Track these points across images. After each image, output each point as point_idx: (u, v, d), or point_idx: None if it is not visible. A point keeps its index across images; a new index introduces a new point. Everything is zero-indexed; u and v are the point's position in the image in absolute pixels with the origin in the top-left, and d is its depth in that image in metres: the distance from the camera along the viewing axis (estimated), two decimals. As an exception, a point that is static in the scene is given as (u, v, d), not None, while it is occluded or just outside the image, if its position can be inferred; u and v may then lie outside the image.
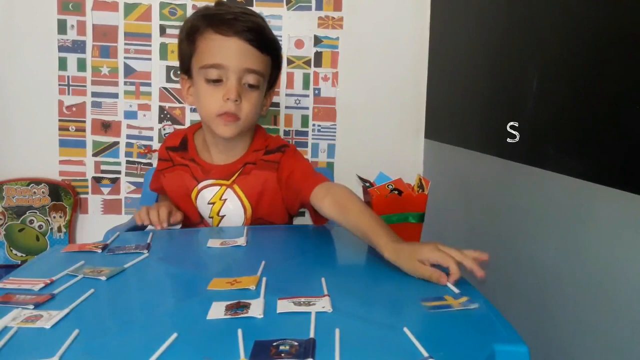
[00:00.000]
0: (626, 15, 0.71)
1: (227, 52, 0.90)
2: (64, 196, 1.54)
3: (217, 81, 0.91)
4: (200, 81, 0.93)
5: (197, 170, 1.02)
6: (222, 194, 1.00)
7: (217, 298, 0.58)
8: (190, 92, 0.98)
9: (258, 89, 0.94)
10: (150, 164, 1.58)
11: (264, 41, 0.93)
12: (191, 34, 0.93)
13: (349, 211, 0.81)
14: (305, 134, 1.62)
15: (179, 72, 1.03)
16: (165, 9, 1.54)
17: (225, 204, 1.00)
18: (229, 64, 0.90)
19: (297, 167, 0.98)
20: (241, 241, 0.82)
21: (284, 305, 0.56)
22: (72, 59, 1.54)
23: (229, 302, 0.57)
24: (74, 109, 1.56)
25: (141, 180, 1.56)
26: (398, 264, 0.69)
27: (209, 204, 1.01)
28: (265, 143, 1.03)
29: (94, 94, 1.56)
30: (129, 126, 1.58)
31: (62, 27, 1.52)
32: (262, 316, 0.54)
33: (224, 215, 1.01)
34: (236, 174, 1.00)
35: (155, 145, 1.58)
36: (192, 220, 1.05)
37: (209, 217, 1.02)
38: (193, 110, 1.58)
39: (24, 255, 1.54)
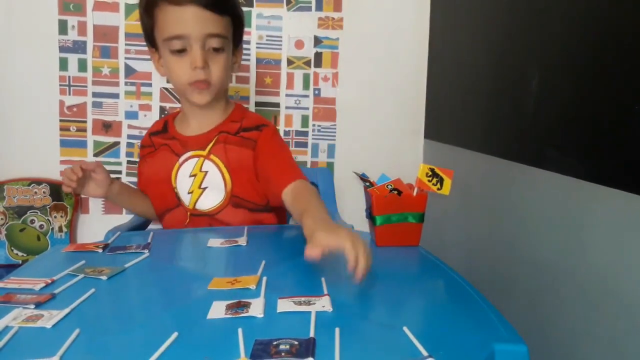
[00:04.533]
0: (626, 16, 0.71)
1: (185, 21, 0.90)
2: (64, 196, 1.54)
3: (182, 51, 0.92)
4: (166, 53, 0.94)
5: (177, 145, 1.03)
6: (202, 165, 1.00)
7: (218, 297, 0.59)
8: (160, 63, 0.99)
9: (224, 52, 0.95)
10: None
11: (219, 3, 0.93)
12: (148, 8, 0.94)
13: (301, 198, 0.84)
14: (305, 134, 1.62)
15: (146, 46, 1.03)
16: (166, 10, 1.54)
17: (208, 176, 1.00)
18: (190, 33, 0.91)
19: (274, 156, 0.98)
20: (241, 241, 0.82)
21: (285, 305, 0.57)
22: (72, 59, 1.54)
23: (229, 302, 0.57)
24: (74, 109, 1.56)
25: (142, 180, 1.56)
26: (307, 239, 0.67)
27: (190, 176, 1.01)
28: (241, 116, 1.04)
29: (94, 94, 1.56)
30: (130, 126, 1.58)
31: (62, 28, 1.53)
32: (262, 315, 0.54)
33: (206, 188, 1.00)
34: (211, 143, 1.01)
35: (156, 145, 1.58)
36: (168, 205, 1.05)
37: (188, 193, 1.01)
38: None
39: (24, 255, 1.54)
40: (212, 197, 1.00)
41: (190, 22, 0.90)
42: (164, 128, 1.08)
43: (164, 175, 1.03)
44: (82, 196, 1.53)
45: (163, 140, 1.06)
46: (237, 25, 0.98)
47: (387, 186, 0.83)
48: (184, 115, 1.05)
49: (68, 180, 0.99)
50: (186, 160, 1.02)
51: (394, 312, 0.59)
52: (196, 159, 1.01)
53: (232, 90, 1.58)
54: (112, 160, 1.58)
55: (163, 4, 0.91)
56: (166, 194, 1.04)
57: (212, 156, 1.00)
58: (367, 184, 0.85)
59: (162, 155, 1.05)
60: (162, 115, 1.58)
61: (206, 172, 1.00)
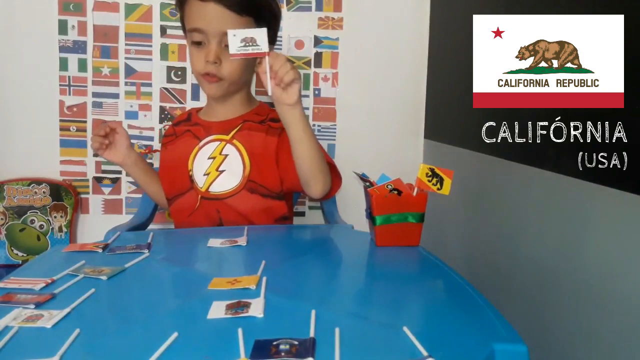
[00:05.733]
0: (625, 14, 0.71)
1: (205, 17, 0.96)
2: (64, 196, 1.54)
3: (200, 43, 0.98)
4: (188, 43, 1.02)
5: (200, 130, 1.08)
6: (223, 149, 1.04)
7: (218, 297, 0.59)
8: None
9: None
10: (151, 164, 1.58)
11: (239, 3, 0.96)
12: (180, 0, 1.02)
13: None
14: (306, 134, 1.62)
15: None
16: (166, 10, 1.54)
17: (227, 159, 1.03)
18: (207, 28, 0.96)
19: None
20: (241, 241, 0.83)
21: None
22: (72, 59, 1.54)
23: (229, 302, 0.57)
24: (74, 109, 1.56)
25: (142, 180, 1.56)
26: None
27: (208, 158, 1.04)
28: (268, 112, 1.10)
29: (94, 94, 1.56)
30: (130, 126, 1.58)
31: (62, 28, 1.53)
32: (262, 315, 0.54)
33: (223, 171, 1.03)
34: (235, 129, 1.05)
35: (156, 145, 1.58)
36: (180, 188, 1.07)
37: (204, 175, 1.04)
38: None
39: (24, 255, 1.54)
40: (228, 181, 1.03)
41: (208, 18, 0.96)
42: (188, 117, 1.13)
43: (182, 158, 1.06)
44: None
45: (186, 127, 1.11)
46: (261, 24, 0.99)
47: (387, 186, 0.83)
48: (209, 105, 1.10)
49: (97, 138, 1.03)
50: (207, 143, 1.06)
51: (394, 312, 0.59)
52: (217, 143, 1.05)
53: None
54: (112, 160, 1.58)
55: None
56: (179, 177, 1.06)
57: (234, 141, 1.04)
58: (367, 184, 0.85)
59: (184, 140, 1.09)
60: (162, 115, 1.58)
61: (226, 155, 1.03)
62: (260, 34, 0.80)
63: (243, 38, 0.80)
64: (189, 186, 1.06)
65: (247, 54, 0.81)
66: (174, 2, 1.53)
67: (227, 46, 0.95)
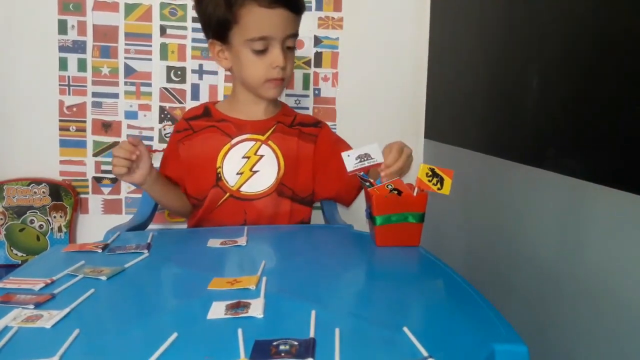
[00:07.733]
0: (625, 16, 0.71)
1: (273, 23, 0.94)
2: (64, 196, 1.54)
3: (263, 51, 0.95)
4: (245, 51, 0.96)
5: (230, 127, 1.04)
6: (258, 149, 1.03)
7: (218, 298, 0.59)
8: (223, 55, 1.01)
9: (294, 48, 1.01)
10: (150, 164, 1.58)
11: (300, 4, 0.98)
12: (231, 6, 0.93)
13: None
14: (306, 134, 1.62)
15: (206, 39, 1.03)
16: (166, 10, 1.54)
17: (262, 160, 1.03)
18: (275, 34, 0.94)
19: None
20: (241, 241, 0.82)
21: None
22: (72, 59, 1.54)
23: (229, 302, 0.57)
24: (74, 109, 1.56)
25: (141, 180, 1.55)
26: None
27: (243, 157, 1.03)
28: (294, 112, 1.10)
29: (94, 94, 1.56)
30: (130, 126, 1.58)
31: (62, 28, 1.53)
32: (262, 316, 0.54)
33: (257, 172, 1.02)
34: (270, 130, 1.04)
35: (156, 145, 1.58)
36: (207, 186, 1.03)
37: (237, 174, 1.02)
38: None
39: (24, 255, 1.54)
40: (260, 182, 1.02)
41: (277, 24, 0.94)
42: (206, 112, 1.07)
43: (209, 155, 1.03)
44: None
45: (208, 123, 1.06)
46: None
47: (387, 186, 0.83)
48: (235, 102, 1.06)
49: (123, 161, 0.93)
50: (241, 142, 1.03)
51: (394, 312, 0.59)
52: (252, 142, 1.03)
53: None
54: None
55: (251, 4, 0.92)
56: (205, 173, 1.03)
57: (270, 142, 1.03)
58: (367, 184, 0.85)
59: (208, 136, 1.04)
60: (162, 115, 1.58)
61: (261, 156, 1.03)
62: (373, 149, 0.82)
63: (357, 155, 0.81)
64: (213, 183, 1.03)
65: (365, 168, 0.82)
66: (174, 3, 1.54)
67: (288, 47, 0.97)
